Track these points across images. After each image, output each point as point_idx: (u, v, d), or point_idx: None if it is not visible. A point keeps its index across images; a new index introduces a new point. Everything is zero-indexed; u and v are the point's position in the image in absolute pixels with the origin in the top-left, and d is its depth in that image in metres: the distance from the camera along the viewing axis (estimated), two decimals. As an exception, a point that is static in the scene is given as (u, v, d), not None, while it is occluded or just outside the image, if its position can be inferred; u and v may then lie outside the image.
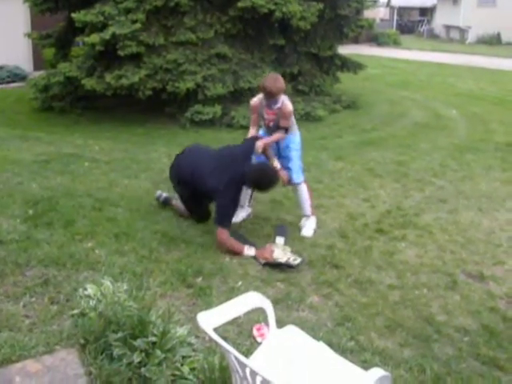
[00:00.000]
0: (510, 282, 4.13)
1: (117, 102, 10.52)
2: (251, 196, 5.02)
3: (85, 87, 9.42)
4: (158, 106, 9.83)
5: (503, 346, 3.32)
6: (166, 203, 5.03)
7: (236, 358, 1.94)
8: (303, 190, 4.82)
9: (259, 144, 4.55)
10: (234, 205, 4.37)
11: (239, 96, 9.89)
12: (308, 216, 4.84)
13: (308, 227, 4.79)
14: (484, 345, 3.32)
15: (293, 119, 4.79)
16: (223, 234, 4.23)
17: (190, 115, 9.36)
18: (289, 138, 4.76)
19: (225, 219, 4.28)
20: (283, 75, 10.65)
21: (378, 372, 2.13)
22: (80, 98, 10.55)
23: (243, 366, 1.93)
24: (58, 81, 10.02)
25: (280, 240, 4.46)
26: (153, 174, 6.17)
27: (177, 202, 4.89)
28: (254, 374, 1.89)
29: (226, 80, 9.59)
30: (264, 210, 5.22)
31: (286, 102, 4.62)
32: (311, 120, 9.67)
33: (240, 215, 4.90)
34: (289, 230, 4.71)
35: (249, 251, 4.23)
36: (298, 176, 4.77)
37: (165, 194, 5.07)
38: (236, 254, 4.20)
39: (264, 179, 4.32)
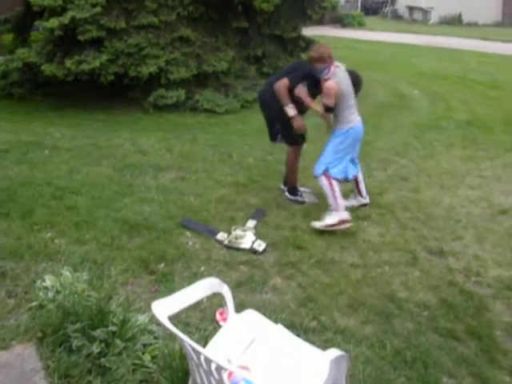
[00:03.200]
0: (468, 256, 4.23)
1: (78, 88, 10.29)
2: (358, 187, 4.98)
3: (44, 73, 9.20)
4: (120, 92, 9.66)
5: (460, 318, 3.41)
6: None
7: (190, 346, 1.93)
8: (322, 183, 4.58)
9: (298, 89, 4.60)
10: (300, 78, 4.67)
11: (203, 80, 9.80)
12: (332, 209, 4.54)
13: (320, 221, 4.50)
14: (442, 318, 3.41)
15: (347, 115, 4.51)
16: (285, 84, 4.63)
17: (154, 100, 9.24)
18: (335, 131, 4.58)
19: (293, 79, 4.64)
20: (247, 58, 10.75)
21: (334, 352, 2.16)
22: (40, 84, 10.29)
23: (198, 353, 1.92)
24: (16, 67, 9.76)
25: (251, 223, 4.51)
26: (115, 160, 6.08)
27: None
28: (208, 360, 1.89)
29: (189, 64, 9.47)
30: (229, 194, 5.21)
31: (330, 79, 4.43)
32: (276, 102, 9.63)
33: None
34: (265, 214, 4.74)
35: (290, 110, 4.66)
36: (317, 167, 4.60)
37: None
38: (282, 101, 4.67)
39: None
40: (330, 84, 4.40)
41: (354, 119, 4.58)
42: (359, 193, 5.00)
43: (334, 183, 4.51)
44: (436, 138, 7.60)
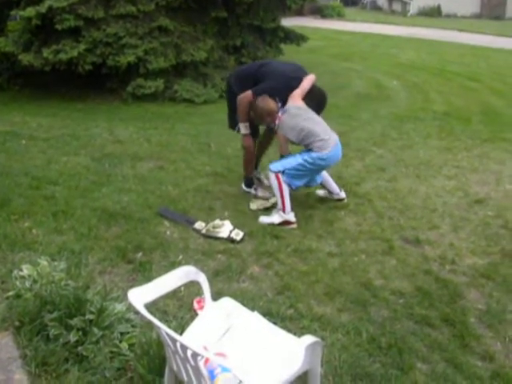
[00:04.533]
0: (443, 245, 4.29)
1: (56, 78, 10.20)
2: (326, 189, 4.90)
3: (22, 63, 9.11)
4: (98, 81, 9.60)
5: (434, 305, 3.46)
6: None
7: (167, 333, 1.95)
8: (272, 181, 4.41)
9: (280, 135, 4.54)
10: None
11: (182, 69, 9.78)
12: (278, 209, 4.45)
13: (268, 217, 4.50)
14: (417, 305, 3.45)
15: (320, 146, 4.29)
16: (248, 98, 4.56)
17: (132, 89, 9.20)
18: (314, 151, 4.33)
19: (258, 92, 4.53)
20: (226, 48, 10.74)
21: (309, 338, 2.19)
22: (18, 74, 10.19)
23: (174, 340, 1.94)
24: (-8, 57, 9.64)
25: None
26: (93, 149, 6.05)
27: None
28: (184, 347, 1.91)
29: (167, 53, 9.44)
30: (207, 183, 5.21)
31: (278, 132, 4.53)
32: (255, 92, 9.66)
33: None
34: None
35: (243, 128, 4.71)
36: (274, 164, 4.44)
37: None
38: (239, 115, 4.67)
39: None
40: (279, 136, 4.52)
41: (328, 146, 4.33)
42: (330, 193, 4.91)
43: (284, 185, 4.39)
44: (414, 128, 7.69)
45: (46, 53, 8.79)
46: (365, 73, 12.20)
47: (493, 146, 7.01)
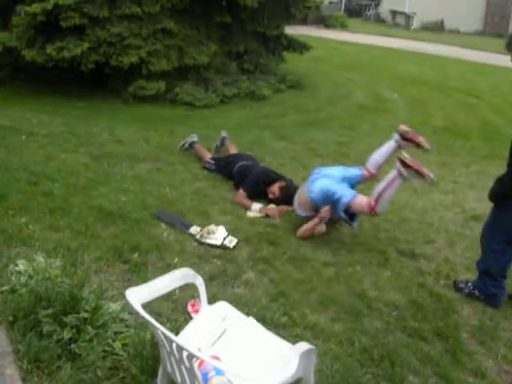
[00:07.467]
0: (439, 259, 4.31)
1: (58, 75, 10.19)
2: None
3: (25, 58, 9.10)
4: (100, 80, 9.59)
5: (428, 319, 3.48)
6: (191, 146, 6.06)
7: (163, 334, 1.95)
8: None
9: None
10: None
11: (184, 72, 9.78)
12: None
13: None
14: (411, 318, 3.48)
15: None
16: (242, 195, 4.99)
17: (134, 90, 9.18)
18: None
19: (248, 187, 5.03)
20: (229, 53, 10.77)
21: (303, 345, 2.20)
22: (20, 69, 10.17)
23: (170, 341, 1.94)
24: (-4, 51, 9.61)
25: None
26: (92, 148, 6.04)
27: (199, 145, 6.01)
28: (180, 348, 1.91)
29: (170, 56, 9.44)
30: (204, 187, 5.22)
31: None
32: (255, 99, 9.71)
33: None
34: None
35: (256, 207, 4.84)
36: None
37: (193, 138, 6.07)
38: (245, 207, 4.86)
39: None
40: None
41: None
42: None
43: None
44: (412, 142, 7.69)
45: (50, 49, 8.77)
46: (366, 84, 12.22)
47: (491, 162, 7.03)
